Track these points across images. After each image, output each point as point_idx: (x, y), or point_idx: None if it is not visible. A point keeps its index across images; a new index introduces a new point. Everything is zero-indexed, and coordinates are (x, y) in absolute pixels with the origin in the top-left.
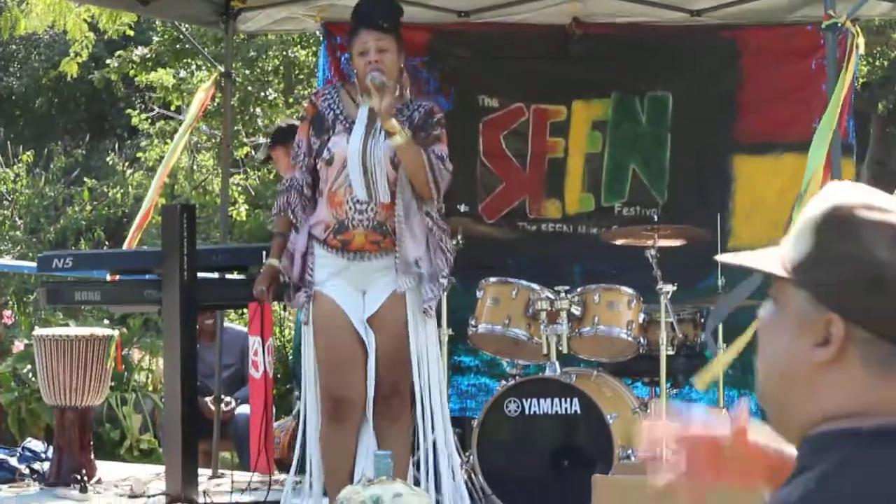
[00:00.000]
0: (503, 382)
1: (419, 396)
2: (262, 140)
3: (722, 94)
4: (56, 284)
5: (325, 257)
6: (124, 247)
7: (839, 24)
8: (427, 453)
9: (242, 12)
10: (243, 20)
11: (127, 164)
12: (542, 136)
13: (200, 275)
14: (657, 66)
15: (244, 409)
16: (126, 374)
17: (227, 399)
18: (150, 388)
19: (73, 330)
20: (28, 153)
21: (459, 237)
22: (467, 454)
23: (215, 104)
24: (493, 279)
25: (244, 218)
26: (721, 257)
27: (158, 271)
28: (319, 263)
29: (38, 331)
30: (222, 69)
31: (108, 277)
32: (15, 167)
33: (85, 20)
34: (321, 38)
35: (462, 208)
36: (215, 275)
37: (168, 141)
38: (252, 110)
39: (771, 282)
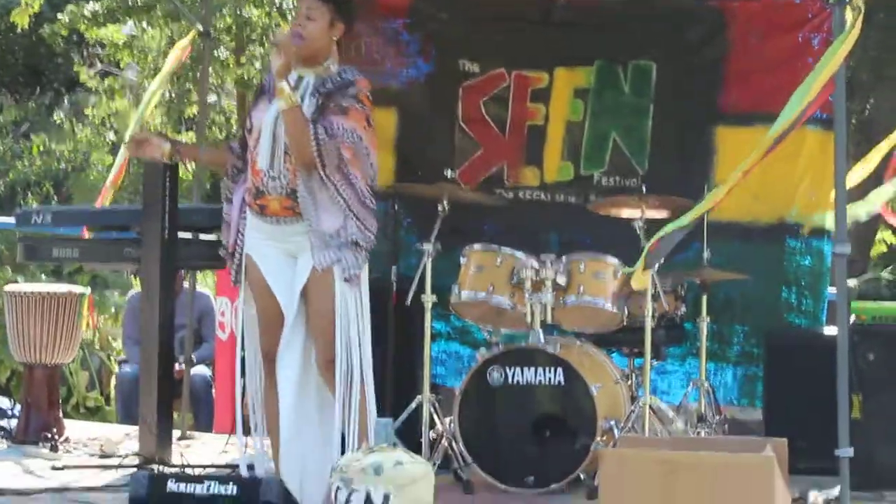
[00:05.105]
0: (482, 350)
1: (339, 369)
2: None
3: (707, 65)
4: (34, 240)
5: (251, 220)
6: (97, 204)
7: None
8: (349, 426)
9: None
10: None
11: (71, 119)
12: (523, 103)
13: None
14: (642, 35)
15: (199, 369)
16: None
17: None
18: (98, 347)
19: (47, 287)
20: None
21: (445, 202)
22: (447, 420)
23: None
24: (477, 246)
25: (191, 177)
26: None
27: (138, 229)
28: (249, 226)
29: (9, 287)
30: (200, 28)
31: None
32: None
33: None
34: None
35: (448, 174)
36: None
37: (116, 97)
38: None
39: None
